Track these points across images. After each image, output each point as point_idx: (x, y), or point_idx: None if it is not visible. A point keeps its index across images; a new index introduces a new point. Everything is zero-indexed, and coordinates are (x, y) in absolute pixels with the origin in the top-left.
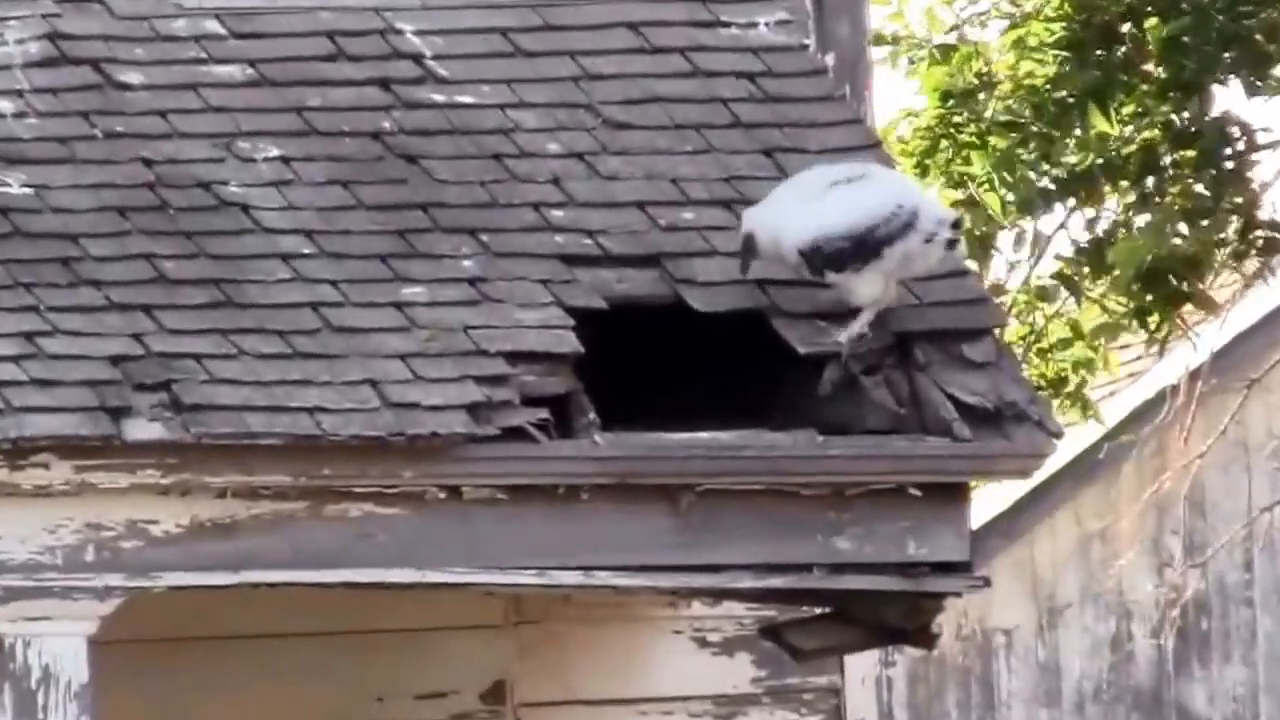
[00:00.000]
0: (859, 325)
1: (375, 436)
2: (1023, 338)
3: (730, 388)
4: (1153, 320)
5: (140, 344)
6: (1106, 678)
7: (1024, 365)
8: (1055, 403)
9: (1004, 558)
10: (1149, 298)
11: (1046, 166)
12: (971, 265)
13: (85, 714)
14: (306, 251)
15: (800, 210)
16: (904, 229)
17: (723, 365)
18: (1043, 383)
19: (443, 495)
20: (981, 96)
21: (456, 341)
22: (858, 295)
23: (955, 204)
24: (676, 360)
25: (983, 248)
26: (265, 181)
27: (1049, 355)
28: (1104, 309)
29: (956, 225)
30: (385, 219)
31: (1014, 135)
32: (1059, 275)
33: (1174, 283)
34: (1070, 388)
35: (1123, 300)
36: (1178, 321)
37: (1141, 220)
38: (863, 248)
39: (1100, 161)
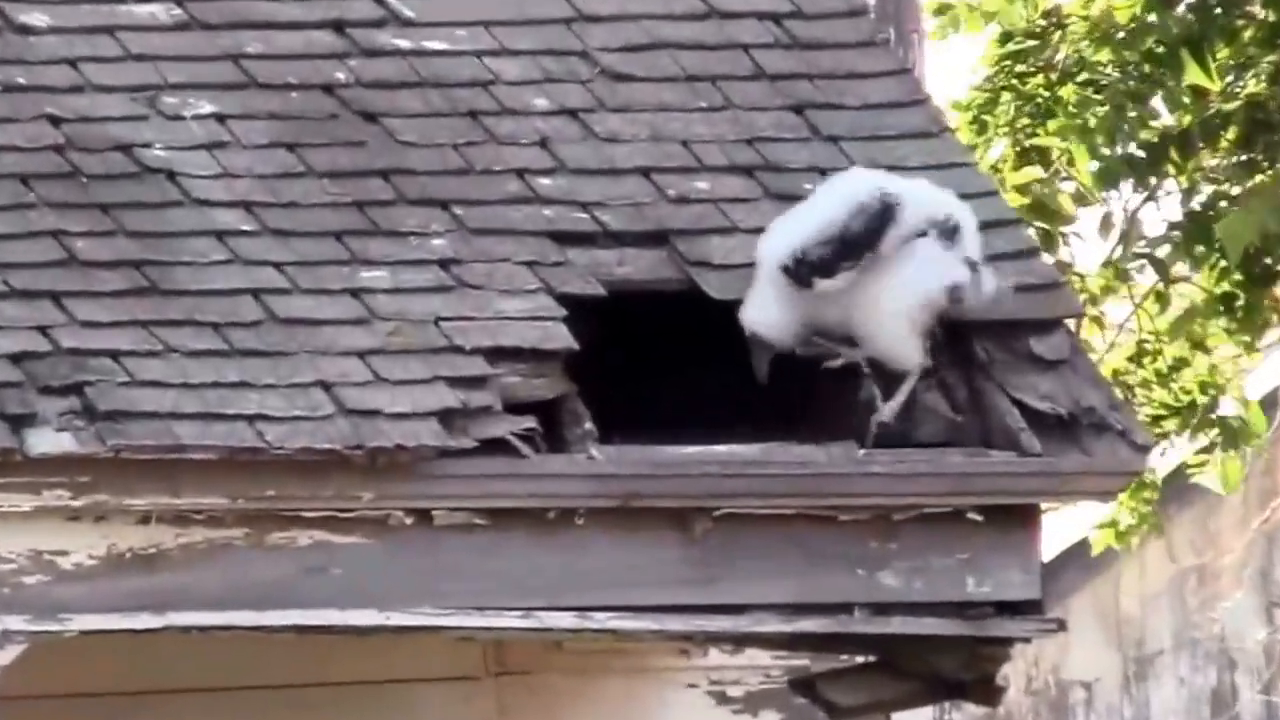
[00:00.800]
0: (904, 392)
1: (328, 450)
2: (1131, 358)
3: (752, 391)
4: (1242, 308)
5: (47, 338)
6: None
7: (1129, 391)
8: (1187, 432)
9: (1082, 596)
10: (1241, 280)
11: (1131, 129)
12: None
13: None
14: (246, 228)
15: (775, 234)
16: (881, 217)
17: (744, 364)
18: (1165, 411)
19: (409, 520)
20: (1051, 40)
21: (425, 336)
22: (881, 309)
23: (1026, 184)
24: (689, 359)
25: (1050, 226)
26: (196, 143)
27: (1170, 378)
28: (1207, 293)
29: (952, 231)
30: (340, 189)
31: (1091, 91)
32: (1144, 255)
33: (1272, 265)
34: (1203, 412)
35: (1209, 286)
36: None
37: (1245, 190)
38: (847, 246)
39: (1197, 122)
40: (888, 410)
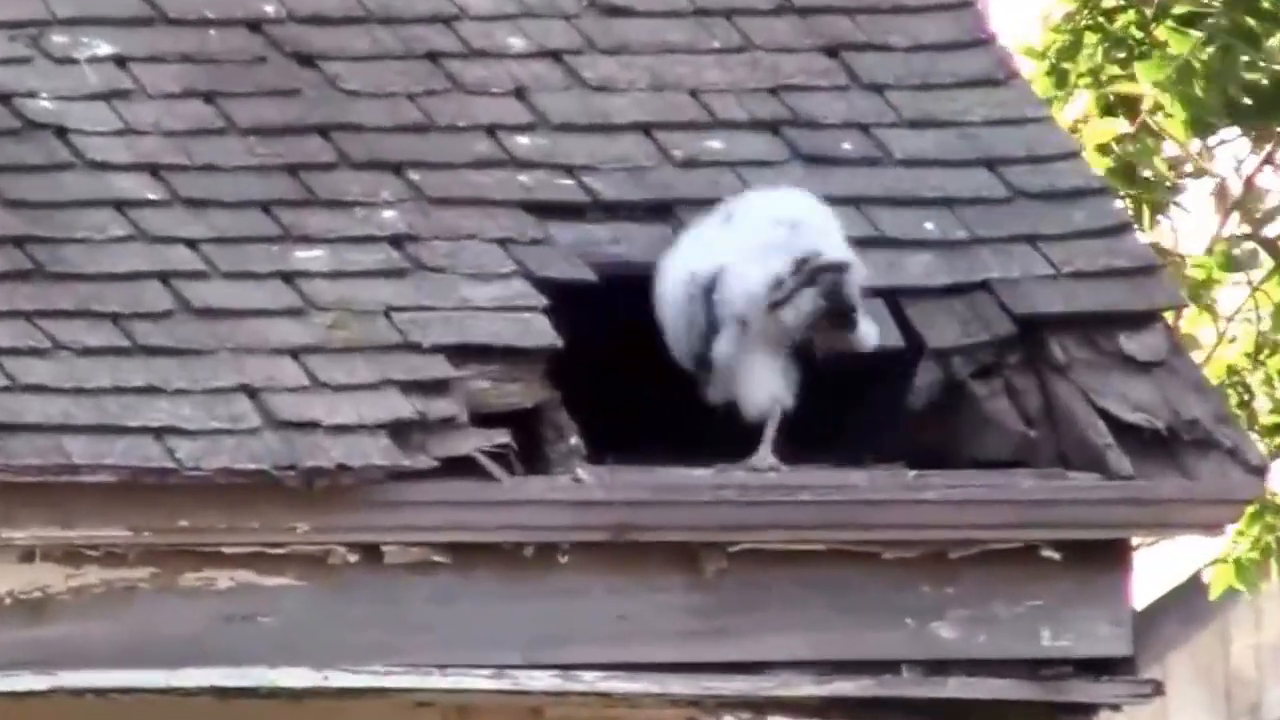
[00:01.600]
0: (769, 437)
1: (254, 471)
2: (1249, 353)
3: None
4: None
5: None
6: None
7: (1246, 393)
8: None
9: (1184, 652)
10: None
11: (1238, 73)
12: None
13: None
14: (152, 197)
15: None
16: (706, 308)
17: None
18: None
19: (354, 558)
20: None
21: (374, 330)
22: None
23: (1111, 139)
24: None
25: (1145, 195)
26: (91, 93)
27: None
28: None
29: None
30: (269, 149)
31: (1192, 31)
32: (1247, 236)
33: None
34: None
35: None
36: None
37: None
38: (696, 359)
39: None
40: (757, 458)
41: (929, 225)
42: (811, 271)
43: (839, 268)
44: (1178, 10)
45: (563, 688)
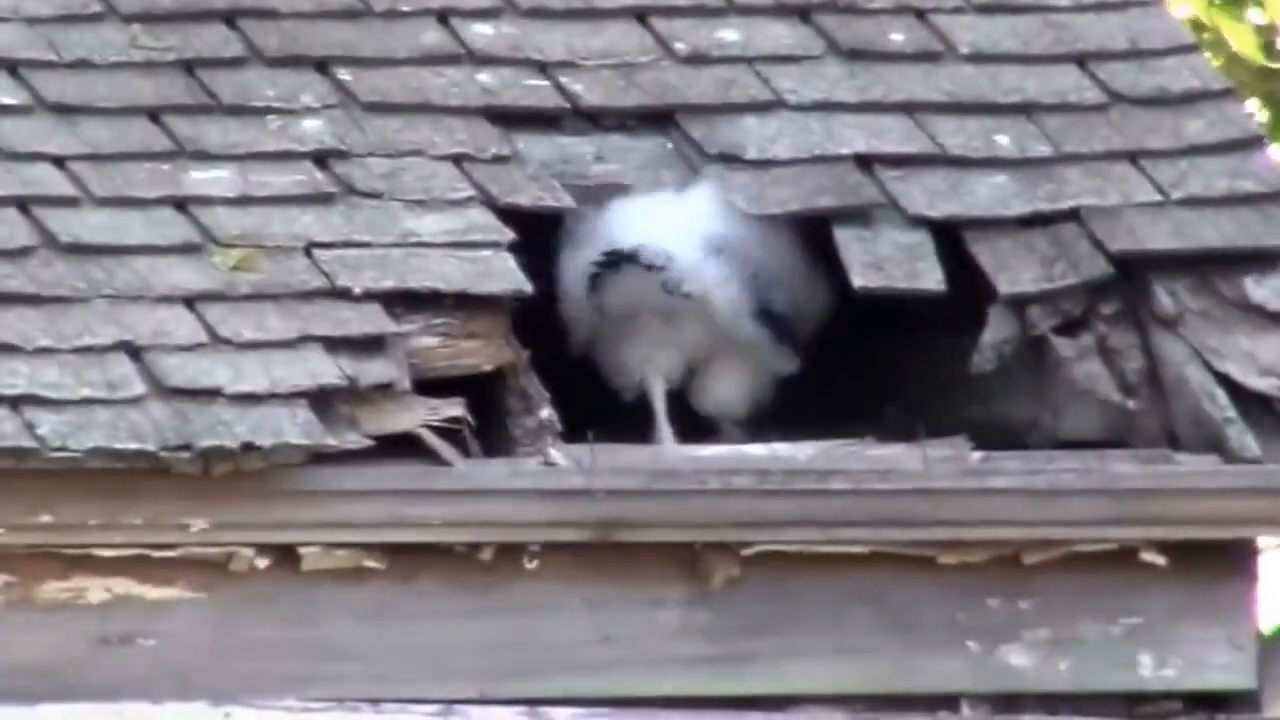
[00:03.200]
0: (658, 415)
1: (138, 453)
2: None
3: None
4: None
5: None
6: None
7: None
8: None
9: None
10: None
11: None
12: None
13: None
14: (9, 101)
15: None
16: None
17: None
18: None
19: (264, 563)
20: None
21: (291, 272)
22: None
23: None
24: None
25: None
26: None
27: None
28: None
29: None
30: (157, 39)
31: None
32: None
33: None
34: None
35: None
36: None
37: None
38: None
39: None
40: (659, 432)
41: (1001, 139)
42: (608, 261)
43: (627, 257)
44: None
45: None
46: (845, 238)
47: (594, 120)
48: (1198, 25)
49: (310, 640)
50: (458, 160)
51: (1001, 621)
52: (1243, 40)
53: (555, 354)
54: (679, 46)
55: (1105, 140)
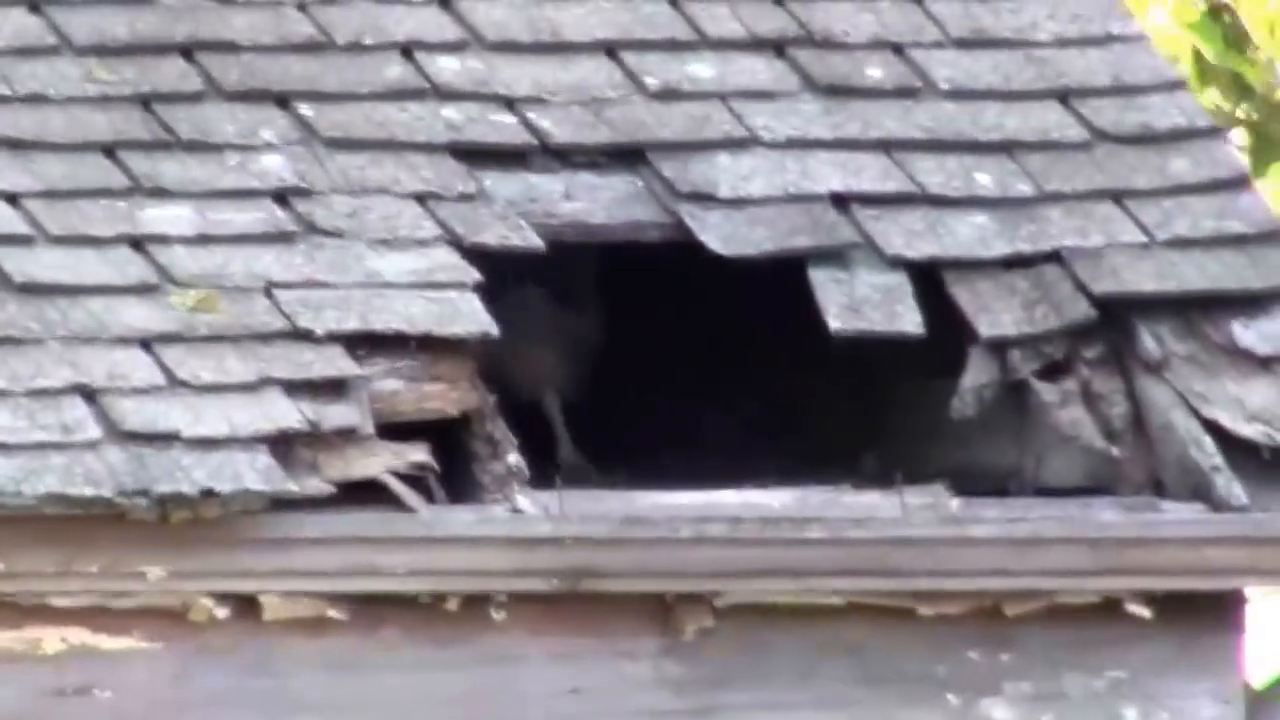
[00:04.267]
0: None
1: (94, 499)
2: None
3: (781, 403)
4: None
5: None
6: None
7: None
8: None
9: None
10: None
11: None
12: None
13: None
14: None
15: None
16: None
17: (767, 361)
18: None
19: (223, 613)
20: None
21: (251, 313)
22: None
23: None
24: (679, 351)
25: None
26: None
27: None
28: None
29: None
30: (115, 72)
31: None
32: None
33: None
34: None
35: None
36: None
37: None
38: None
39: None
40: (561, 454)
41: (982, 177)
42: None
43: None
44: None
45: None
46: (821, 279)
47: (563, 157)
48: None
49: (271, 692)
50: (422, 198)
51: (982, 674)
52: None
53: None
54: (650, 82)
55: (1088, 179)
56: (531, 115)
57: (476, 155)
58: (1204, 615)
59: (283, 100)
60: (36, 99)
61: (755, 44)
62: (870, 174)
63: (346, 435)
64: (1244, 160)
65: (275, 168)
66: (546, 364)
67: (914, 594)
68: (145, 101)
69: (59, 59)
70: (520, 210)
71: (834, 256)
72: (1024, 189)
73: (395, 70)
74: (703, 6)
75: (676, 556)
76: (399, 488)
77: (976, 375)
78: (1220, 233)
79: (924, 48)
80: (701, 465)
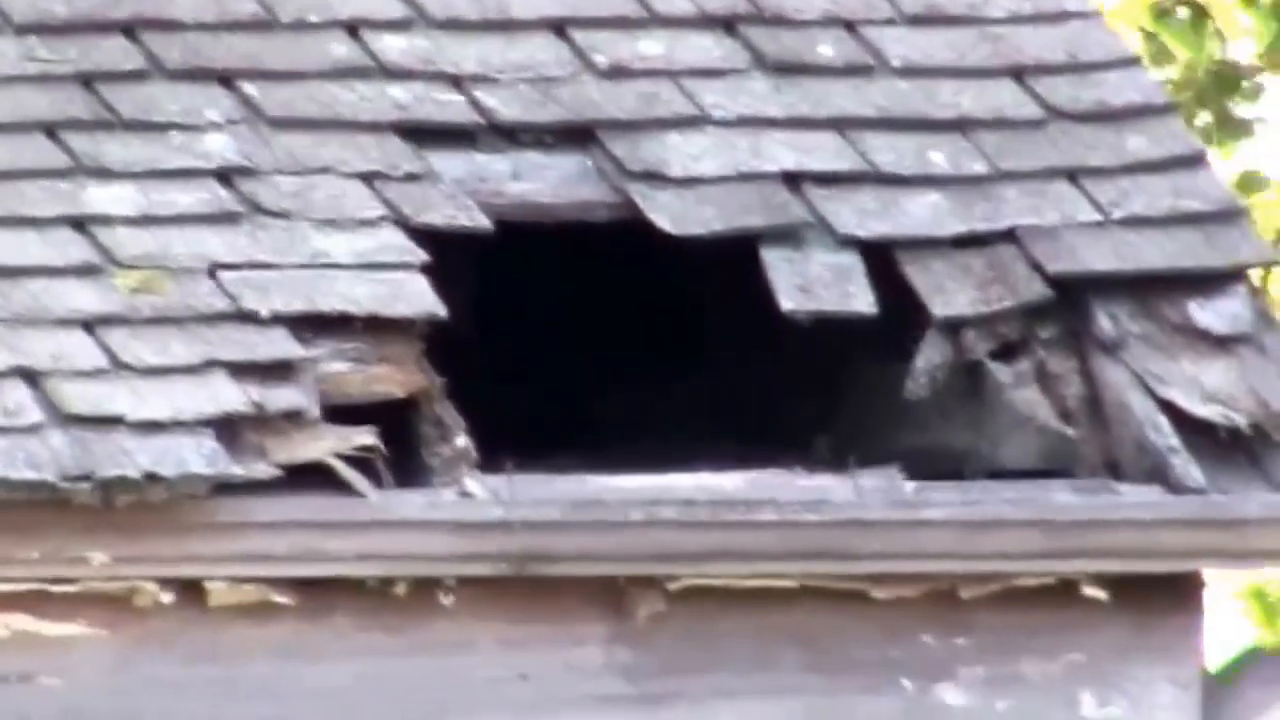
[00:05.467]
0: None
1: (35, 483)
2: None
3: (735, 387)
4: None
5: None
6: None
7: None
8: None
9: None
10: None
11: None
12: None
13: None
14: None
15: None
16: None
17: (722, 345)
18: None
19: (168, 599)
20: None
21: (195, 294)
22: None
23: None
24: (629, 334)
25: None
26: None
27: None
28: None
29: None
30: (54, 51)
31: None
32: None
33: None
34: None
35: None
36: None
37: None
38: None
39: None
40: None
41: (935, 156)
42: None
43: None
44: None
45: None
46: (773, 259)
47: (510, 136)
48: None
49: (218, 680)
50: (368, 178)
51: (937, 659)
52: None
53: (471, 380)
54: (599, 59)
55: (1043, 157)
56: (479, 94)
57: (423, 134)
58: (1161, 598)
59: (226, 79)
60: None
61: (705, 21)
62: (822, 153)
63: (293, 418)
64: (1196, 139)
65: (219, 147)
66: None
67: (868, 577)
68: (87, 80)
69: None
70: (468, 190)
71: (786, 236)
72: (978, 167)
73: (340, 49)
74: None
75: (627, 540)
76: (346, 472)
77: (930, 356)
78: (1177, 211)
79: (876, 25)
80: (652, 448)
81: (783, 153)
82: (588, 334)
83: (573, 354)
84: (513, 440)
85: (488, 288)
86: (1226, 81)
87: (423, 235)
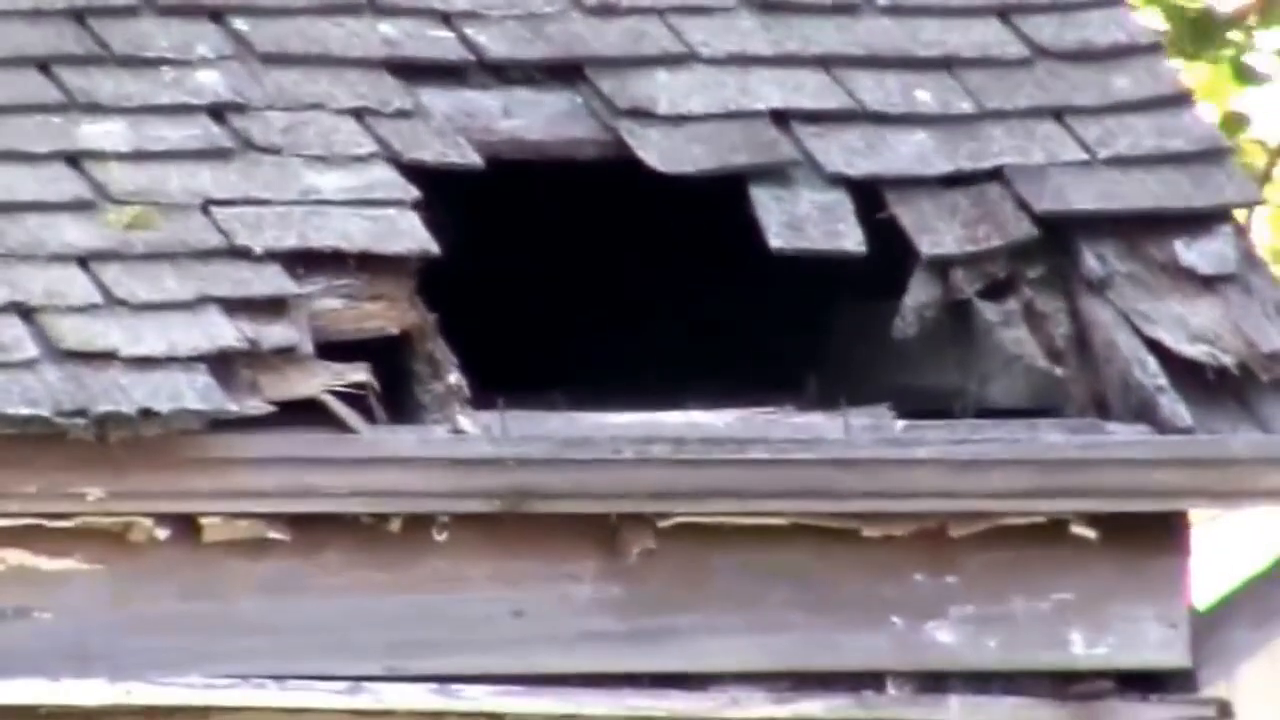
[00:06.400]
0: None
1: (30, 418)
2: None
3: (724, 325)
4: None
5: None
6: None
7: None
8: None
9: (1259, 662)
10: None
11: None
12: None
13: None
14: None
15: None
16: None
17: (710, 282)
18: None
19: (163, 533)
20: None
21: (188, 230)
22: None
23: None
24: (621, 273)
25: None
26: None
27: None
28: None
29: None
30: None
31: None
32: None
33: None
34: None
35: None
36: None
37: None
38: None
39: None
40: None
41: (922, 94)
42: None
43: None
44: None
45: (439, 706)
46: (762, 197)
47: (500, 73)
48: None
49: (213, 614)
50: (359, 114)
51: (927, 597)
52: None
53: (465, 317)
54: None
55: (1029, 96)
56: (469, 31)
57: (413, 71)
58: (1149, 537)
59: (217, 15)
60: None
61: None
62: (810, 91)
63: (286, 354)
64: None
65: (211, 83)
66: None
67: (858, 515)
68: (79, 16)
69: None
70: (458, 126)
71: (774, 174)
72: (964, 106)
73: None
74: None
75: (619, 477)
76: (339, 408)
77: (918, 294)
78: (1162, 151)
79: None
80: (643, 386)
81: (771, 91)
82: (575, 271)
83: (560, 292)
84: (502, 376)
85: (476, 223)
86: (1205, 30)
87: (414, 171)
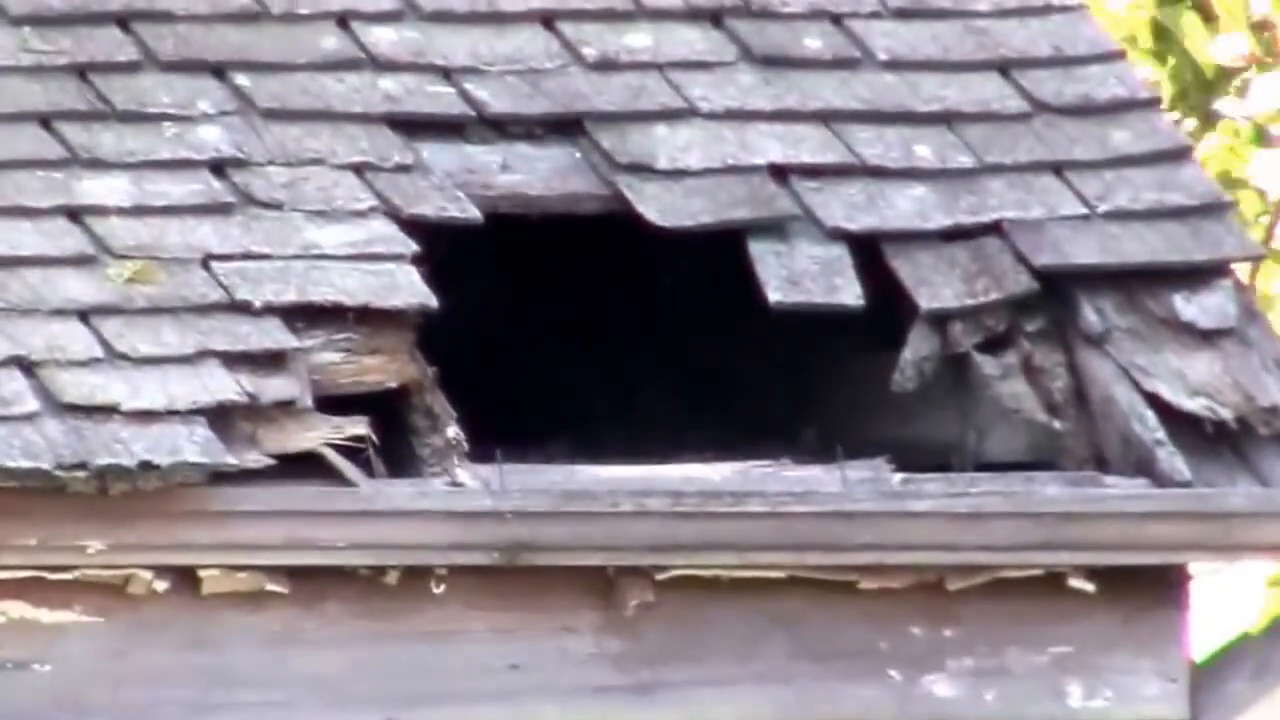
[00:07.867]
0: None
1: (31, 471)
2: None
3: (723, 377)
4: None
5: None
6: None
7: None
8: None
9: (1257, 716)
10: None
11: None
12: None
13: None
14: None
15: None
16: None
17: (707, 335)
18: None
19: (162, 586)
20: None
21: (189, 285)
22: None
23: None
24: (618, 325)
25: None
26: None
27: None
28: None
29: None
30: (49, 42)
31: None
32: None
33: None
34: None
35: None
36: None
37: None
38: None
39: None
40: None
41: (921, 149)
42: None
43: None
44: None
45: None
46: (760, 252)
47: (500, 128)
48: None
49: (211, 666)
50: (360, 169)
51: (925, 650)
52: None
53: (463, 371)
54: (587, 52)
55: (1029, 151)
56: (469, 86)
57: (413, 126)
58: (1148, 591)
59: (219, 70)
60: None
61: (692, 14)
62: (809, 145)
63: (285, 408)
64: (1183, 134)
65: (212, 139)
66: None
67: (856, 568)
68: (81, 72)
69: None
70: (458, 181)
71: (773, 228)
72: (964, 160)
73: (331, 40)
74: None
75: (617, 530)
76: (338, 461)
77: (917, 348)
78: (1161, 205)
79: (862, 18)
80: (639, 438)
81: (770, 145)
82: (571, 324)
83: (557, 344)
84: (499, 428)
85: (475, 279)
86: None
87: (413, 226)
